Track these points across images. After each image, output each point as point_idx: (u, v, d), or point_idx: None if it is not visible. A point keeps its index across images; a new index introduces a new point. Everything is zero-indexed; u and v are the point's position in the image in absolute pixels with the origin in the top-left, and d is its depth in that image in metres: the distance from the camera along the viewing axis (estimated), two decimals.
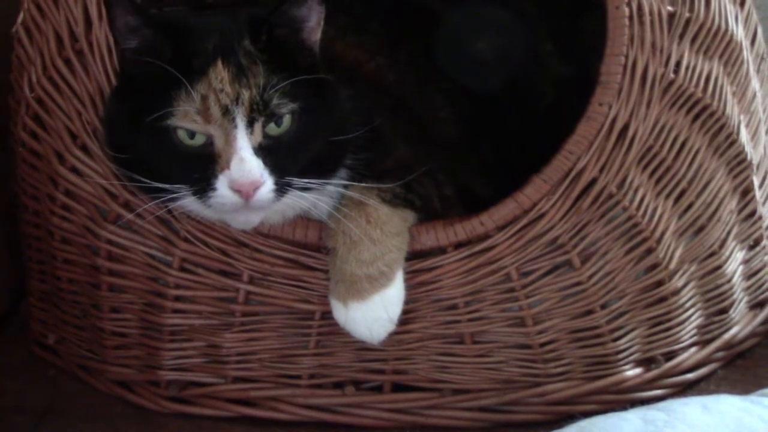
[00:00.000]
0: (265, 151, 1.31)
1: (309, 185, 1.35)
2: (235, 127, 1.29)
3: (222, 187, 1.30)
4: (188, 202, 1.34)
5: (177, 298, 1.50)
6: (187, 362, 1.53)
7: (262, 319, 1.50)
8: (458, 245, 1.45)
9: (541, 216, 1.44)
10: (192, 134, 1.31)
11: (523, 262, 1.46)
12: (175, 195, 1.32)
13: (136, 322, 1.53)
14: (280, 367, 1.51)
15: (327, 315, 1.46)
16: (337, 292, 1.42)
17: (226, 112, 1.29)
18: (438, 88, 1.63)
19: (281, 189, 1.32)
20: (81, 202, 1.50)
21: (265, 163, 1.30)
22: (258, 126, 1.31)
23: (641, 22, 1.42)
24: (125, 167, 1.36)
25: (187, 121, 1.30)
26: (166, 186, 1.32)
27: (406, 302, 1.44)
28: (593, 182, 1.44)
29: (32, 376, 1.65)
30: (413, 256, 1.45)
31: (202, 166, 1.31)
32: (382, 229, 1.40)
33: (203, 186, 1.30)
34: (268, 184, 1.30)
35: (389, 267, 1.41)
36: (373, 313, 1.41)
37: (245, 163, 1.29)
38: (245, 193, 1.29)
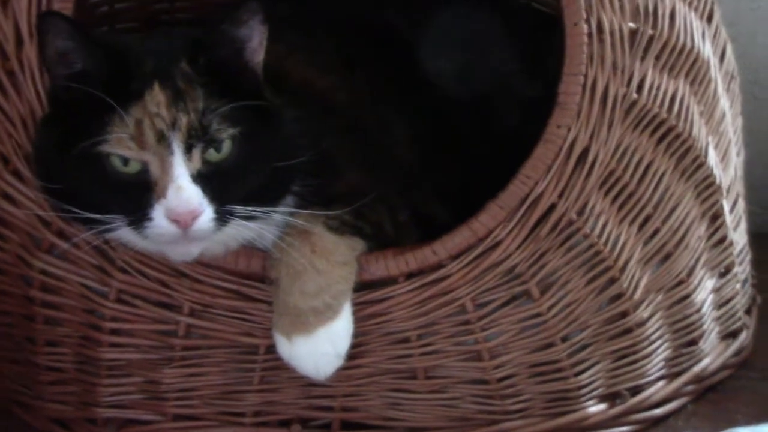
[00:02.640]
0: (204, 178, 1.23)
1: (252, 214, 1.27)
2: (172, 153, 1.22)
3: (158, 216, 1.22)
4: (124, 233, 1.27)
5: (114, 332, 1.42)
6: (126, 399, 1.44)
7: (203, 353, 1.42)
8: (410, 275, 1.38)
9: (497, 244, 1.36)
10: (126, 161, 1.23)
11: (478, 292, 1.38)
12: (109, 226, 1.25)
13: (72, 356, 1.45)
14: (222, 404, 1.43)
15: (272, 349, 1.38)
16: (280, 325, 1.34)
17: (162, 137, 1.22)
18: (395, 109, 1.55)
19: (222, 218, 1.24)
20: (14, 229, 1.42)
21: (204, 190, 1.23)
22: (196, 152, 1.23)
23: (601, 40, 1.35)
24: (57, 197, 1.28)
25: (120, 147, 1.22)
26: (100, 217, 1.24)
27: (355, 335, 1.36)
28: (552, 208, 1.36)
29: None
30: (362, 286, 1.37)
31: (137, 195, 1.23)
32: (328, 259, 1.32)
33: (139, 216, 1.23)
34: (207, 213, 1.23)
35: (335, 299, 1.33)
36: (319, 348, 1.33)
37: (183, 192, 1.22)
38: (183, 222, 1.22)
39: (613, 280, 1.41)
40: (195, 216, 1.22)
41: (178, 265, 1.37)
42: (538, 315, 1.40)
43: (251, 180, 1.28)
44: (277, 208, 1.31)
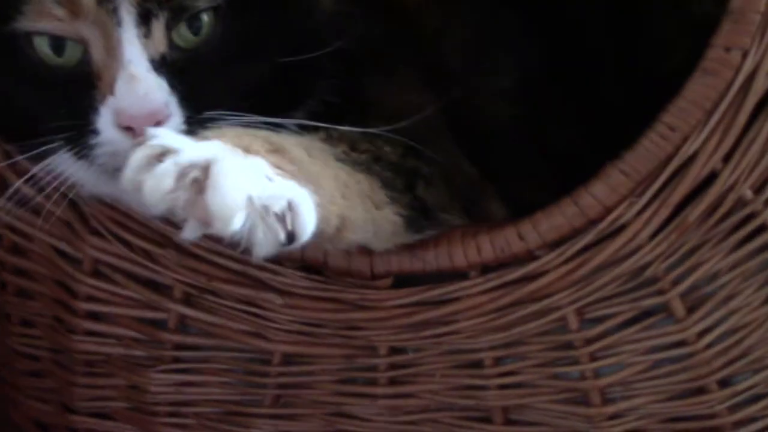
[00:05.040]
0: (171, 68, 0.82)
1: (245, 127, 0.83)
2: (119, 23, 0.81)
3: (105, 125, 0.82)
4: (67, 162, 0.86)
5: (90, 315, 1.04)
6: (107, 406, 1.06)
7: (201, 356, 1.02)
8: (485, 269, 0.92)
9: (619, 230, 0.88)
10: (58, 46, 0.83)
11: (587, 302, 0.91)
12: (43, 149, 0.85)
13: (48, 342, 1.08)
14: (224, 429, 1.02)
15: (290, 359, 0.98)
16: None
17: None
18: (504, 40, 1.07)
19: (197, 127, 0.82)
20: None
21: (172, 85, 0.82)
22: (158, 25, 0.82)
23: None
24: None
25: (43, 18, 0.81)
26: (30, 136, 0.85)
27: (404, 351, 0.93)
28: (712, 179, 0.87)
29: None
30: (415, 281, 0.92)
31: (77, 98, 0.83)
32: None
33: (80, 130, 0.83)
34: (175, 120, 0.82)
35: None
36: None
37: (137, 83, 0.81)
38: (140, 128, 0.81)
39: None
40: (157, 119, 0.81)
41: (165, 228, 0.97)
42: (682, 343, 0.91)
43: (243, 77, 0.86)
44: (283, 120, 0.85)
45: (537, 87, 1.04)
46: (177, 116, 0.82)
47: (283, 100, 0.87)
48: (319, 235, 0.77)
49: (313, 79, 0.88)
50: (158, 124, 0.81)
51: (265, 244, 0.74)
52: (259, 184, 0.74)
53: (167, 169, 0.73)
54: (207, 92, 0.84)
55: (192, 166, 0.73)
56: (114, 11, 0.80)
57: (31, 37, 0.82)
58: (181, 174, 0.73)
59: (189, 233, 0.75)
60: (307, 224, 0.75)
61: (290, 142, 0.81)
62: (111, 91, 0.81)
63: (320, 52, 0.85)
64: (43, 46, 0.83)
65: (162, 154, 0.74)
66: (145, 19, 0.81)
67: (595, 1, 1.07)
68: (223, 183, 0.72)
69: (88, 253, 1.01)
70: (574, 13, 1.07)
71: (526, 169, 1.01)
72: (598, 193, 0.88)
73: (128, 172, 0.74)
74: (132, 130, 0.81)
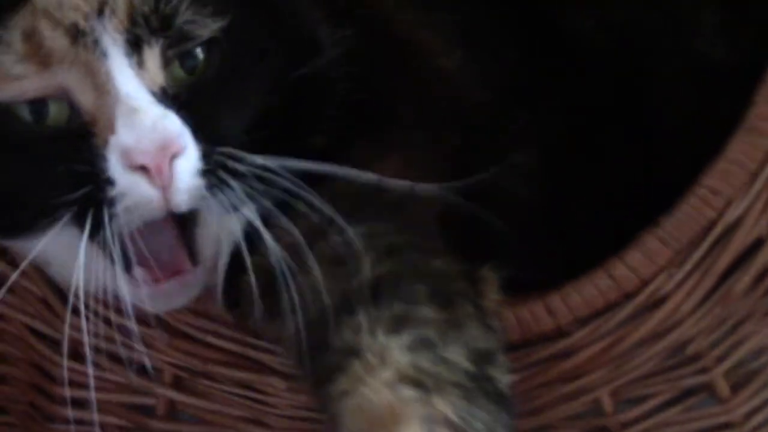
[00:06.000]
0: (175, 100, 0.72)
1: (259, 171, 0.72)
2: (104, 55, 0.71)
3: (117, 171, 0.70)
4: (66, 237, 0.74)
5: (70, 401, 0.95)
6: None
7: None
8: (510, 347, 0.84)
9: (658, 303, 0.82)
10: (38, 110, 0.72)
11: (623, 383, 0.85)
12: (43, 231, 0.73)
13: (23, 430, 1.00)
14: None
15: None
16: None
17: (79, 33, 0.71)
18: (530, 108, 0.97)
19: (215, 166, 0.72)
20: None
21: (182, 117, 0.72)
22: (152, 55, 0.72)
23: None
24: None
25: (8, 83, 0.71)
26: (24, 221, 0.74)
27: None
28: (757, 245, 0.80)
29: None
30: None
31: (76, 156, 0.72)
32: None
33: (92, 192, 0.71)
34: (191, 154, 0.71)
35: None
36: None
37: (141, 114, 0.70)
38: (156, 165, 0.70)
39: None
40: (172, 152, 0.70)
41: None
42: (727, 426, 0.86)
43: (252, 103, 0.76)
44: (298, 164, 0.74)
45: (557, 162, 0.95)
46: (192, 149, 0.71)
47: (295, 129, 0.78)
48: None
49: (321, 103, 0.79)
50: (174, 158, 0.70)
51: None
52: None
53: None
54: (218, 124, 0.74)
55: None
56: (95, 43, 0.71)
57: (8, 108, 0.72)
58: None
59: None
60: None
61: None
62: (111, 130, 0.71)
63: (322, 62, 0.77)
64: (23, 111, 0.72)
65: None
66: (135, 47, 0.72)
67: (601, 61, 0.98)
68: None
69: (68, 333, 0.93)
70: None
71: (538, 247, 0.91)
72: (633, 263, 0.81)
73: None
74: (146, 170, 0.70)
